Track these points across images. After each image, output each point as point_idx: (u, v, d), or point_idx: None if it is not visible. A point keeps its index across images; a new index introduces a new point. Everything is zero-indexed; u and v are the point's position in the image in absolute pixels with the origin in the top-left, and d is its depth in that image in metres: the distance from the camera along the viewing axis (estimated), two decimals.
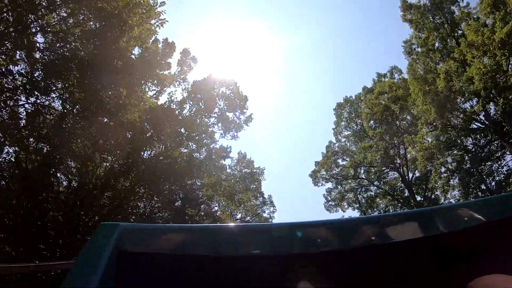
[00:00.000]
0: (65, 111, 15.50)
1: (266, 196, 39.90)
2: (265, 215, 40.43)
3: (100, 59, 10.47)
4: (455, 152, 20.99)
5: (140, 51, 15.09)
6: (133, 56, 14.90)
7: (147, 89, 22.89)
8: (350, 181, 37.86)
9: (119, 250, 0.93)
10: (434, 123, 18.41)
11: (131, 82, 12.13)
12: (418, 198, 33.16)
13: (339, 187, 37.77)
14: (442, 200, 32.31)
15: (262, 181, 26.85)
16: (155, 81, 17.82)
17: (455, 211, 1.11)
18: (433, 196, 32.14)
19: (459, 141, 20.44)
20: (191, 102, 25.45)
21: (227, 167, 27.18)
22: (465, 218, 1.04)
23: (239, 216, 40.01)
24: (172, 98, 23.81)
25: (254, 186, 37.40)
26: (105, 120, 14.05)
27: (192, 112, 25.07)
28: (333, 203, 38.09)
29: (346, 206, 38.54)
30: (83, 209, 18.21)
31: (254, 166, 25.47)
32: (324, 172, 38.39)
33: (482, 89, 14.99)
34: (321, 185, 38.23)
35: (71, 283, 0.80)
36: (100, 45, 10.89)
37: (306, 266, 1.04)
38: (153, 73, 14.58)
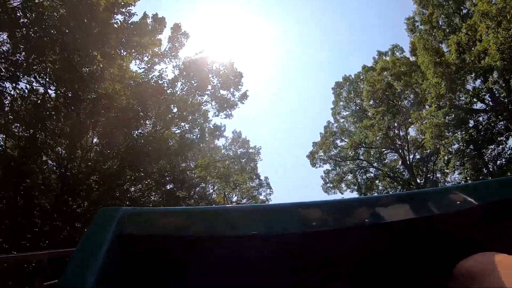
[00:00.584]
0: (46, 90, 14.32)
1: (262, 178, 39.11)
2: (261, 197, 39.66)
3: (73, 19, 9.12)
4: (459, 133, 20.02)
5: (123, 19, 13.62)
6: (115, 26, 13.50)
7: (134, 65, 21.51)
8: (348, 163, 36.94)
9: (120, 234, 0.93)
10: (441, 102, 17.24)
11: (109, 51, 10.77)
12: (418, 180, 32.40)
13: (338, 168, 36.86)
14: (443, 183, 31.66)
15: (259, 161, 25.81)
16: (143, 55, 16.38)
17: (448, 193, 1.10)
18: (434, 178, 31.39)
19: (468, 119, 19.36)
20: (183, 80, 24.06)
21: (222, 147, 25.97)
22: (458, 202, 1.04)
23: (234, 198, 39.23)
24: (163, 75, 22.36)
25: (250, 167, 36.46)
26: (87, 97, 12.77)
27: (184, 90, 23.71)
28: (331, 185, 37.28)
29: (344, 188, 37.78)
30: (71, 195, 17.18)
31: (249, 146, 24.23)
32: (322, 153, 37.40)
33: (499, 60, 13.79)
34: (319, 167, 37.33)
35: (73, 269, 0.82)
36: (74, 5, 9.50)
37: (302, 245, 1.06)
38: (138, 42, 13.15)
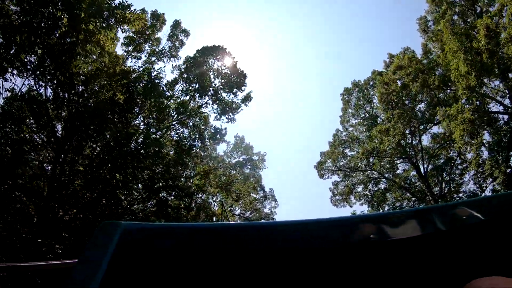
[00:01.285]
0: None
1: (267, 189, 36.97)
2: (266, 210, 37.44)
3: None
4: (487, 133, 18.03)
5: None
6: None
7: (130, 62, 19.90)
8: (358, 174, 34.80)
9: (121, 249, 0.93)
10: (471, 94, 15.36)
11: (79, 13, 8.96)
12: (437, 190, 30.18)
13: (347, 180, 34.70)
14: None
15: (263, 169, 23.51)
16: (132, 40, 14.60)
17: (454, 209, 1.12)
18: (452, 188, 29.19)
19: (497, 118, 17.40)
20: (182, 82, 22.42)
21: (223, 153, 23.95)
22: (464, 217, 1.05)
23: (238, 211, 37.02)
24: (160, 75, 20.70)
25: (254, 179, 34.42)
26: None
27: (184, 91, 22.00)
28: (340, 198, 35.04)
29: (354, 201, 35.50)
30: (58, 201, 15.35)
31: (253, 152, 22.11)
32: (330, 164, 35.33)
33: None
34: (327, 178, 35.19)
35: (74, 282, 0.82)
36: None
37: (310, 261, 1.07)
38: (121, 15, 11.34)
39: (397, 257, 1.07)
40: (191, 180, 22.63)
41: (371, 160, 31.59)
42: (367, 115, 34.73)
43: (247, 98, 21.84)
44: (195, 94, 21.58)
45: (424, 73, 20.70)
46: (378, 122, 34.97)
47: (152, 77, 19.32)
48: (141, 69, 19.91)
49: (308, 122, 75.40)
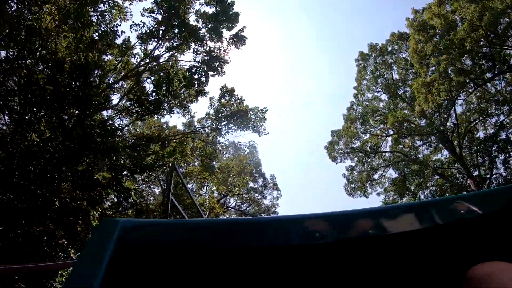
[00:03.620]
0: None
1: (268, 176, 30.60)
2: (266, 202, 31.10)
3: None
4: None
5: None
6: None
7: None
8: (377, 157, 28.61)
9: (121, 245, 0.92)
10: None
11: None
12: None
13: (365, 163, 28.47)
14: None
15: (262, 129, 15.97)
16: None
17: (452, 203, 1.11)
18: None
19: None
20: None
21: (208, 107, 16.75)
22: (462, 211, 1.06)
23: (232, 203, 30.74)
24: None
25: (252, 162, 28.15)
26: None
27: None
28: (355, 185, 28.83)
29: (372, 189, 29.27)
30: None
31: (248, 108, 15.47)
32: (342, 146, 29.11)
33: None
34: (340, 162, 28.92)
35: (74, 279, 0.82)
36: None
37: (303, 258, 1.05)
38: None
39: (395, 252, 1.07)
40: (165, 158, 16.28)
41: (402, 140, 25.07)
42: (388, 81, 28.37)
43: (239, 40, 15.50)
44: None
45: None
46: (400, 92, 28.86)
47: None
48: None
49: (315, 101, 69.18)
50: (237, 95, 15.20)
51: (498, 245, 1.09)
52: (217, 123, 15.08)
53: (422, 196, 27.62)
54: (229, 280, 1.05)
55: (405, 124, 22.08)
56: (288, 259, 1.03)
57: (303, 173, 67.02)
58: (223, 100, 15.43)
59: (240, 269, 1.04)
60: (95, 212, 12.09)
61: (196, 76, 14.04)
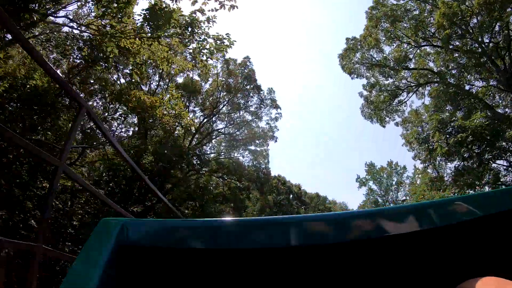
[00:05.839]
0: None
1: (265, 90, 24.85)
2: (262, 124, 25.85)
3: None
4: None
5: None
6: None
7: None
8: (405, 74, 22.29)
9: (120, 245, 0.92)
10: None
11: None
12: None
13: (390, 79, 22.29)
14: None
15: None
16: None
17: (451, 205, 1.09)
18: None
19: None
20: None
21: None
22: (460, 212, 1.05)
23: (221, 125, 25.73)
24: None
25: (242, 71, 22.39)
26: None
27: None
28: (372, 110, 23.10)
29: (388, 119, 23.57)
30: None
31: None
32: (359, 56, 22.63)
33: None
34: (356, 77, 22.76)
35: (73, 278, 0.81)
36: None
37: (303, 259, 1.05)
38: None
39: (393, 253, 1.07)
40: None
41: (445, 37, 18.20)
42: None
43: None
44: None
45: None
46: None
47: None
48: None
49: None
50: None
51: (498, 247, 1.08)
52: None
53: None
54: (229, 281, 1.04)
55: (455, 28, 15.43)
56: (288, 259, 1.02)
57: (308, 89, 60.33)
58: None
59: (240, 269, 1.03)
60: None
61: None
